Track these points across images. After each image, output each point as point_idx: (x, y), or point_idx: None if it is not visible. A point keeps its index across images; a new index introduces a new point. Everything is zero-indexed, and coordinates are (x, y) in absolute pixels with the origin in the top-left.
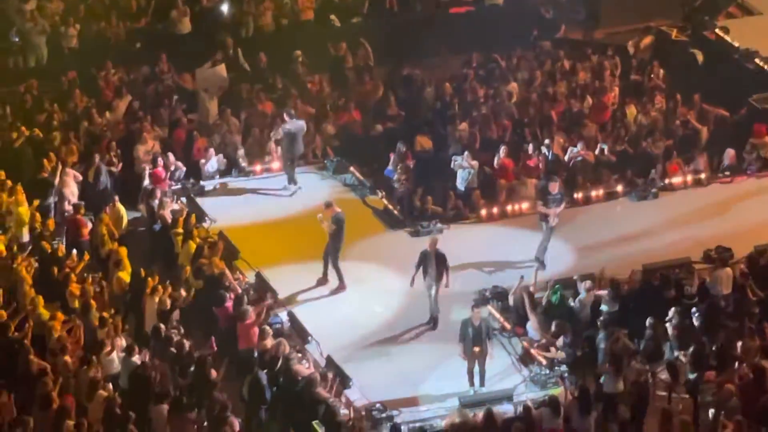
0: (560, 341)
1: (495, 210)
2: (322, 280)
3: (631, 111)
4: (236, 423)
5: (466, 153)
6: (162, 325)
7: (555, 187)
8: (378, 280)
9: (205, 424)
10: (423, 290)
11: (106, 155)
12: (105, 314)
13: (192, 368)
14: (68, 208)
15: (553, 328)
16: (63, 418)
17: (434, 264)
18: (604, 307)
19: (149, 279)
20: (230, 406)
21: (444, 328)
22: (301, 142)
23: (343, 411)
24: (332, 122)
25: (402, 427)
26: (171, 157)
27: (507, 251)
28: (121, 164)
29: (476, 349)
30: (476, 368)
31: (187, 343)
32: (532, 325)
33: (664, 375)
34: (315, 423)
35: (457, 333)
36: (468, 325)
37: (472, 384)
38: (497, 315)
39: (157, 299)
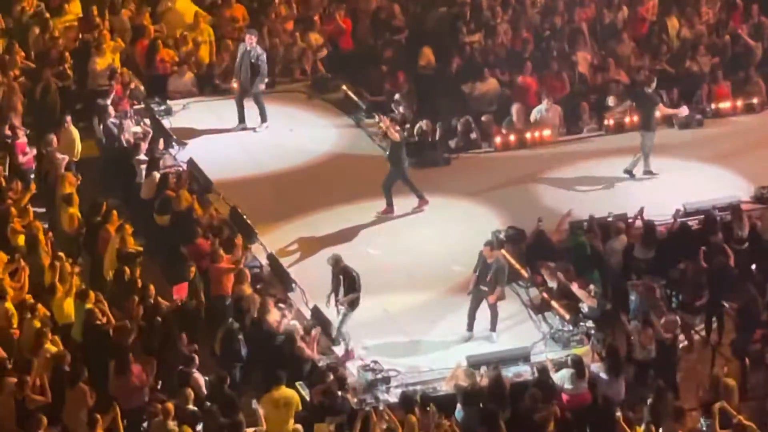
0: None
1: (513, 137)
2: (388, 210)
3: (672, 23)
4: (201, 380)
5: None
6: (127, 269)
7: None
8: (373, 218)
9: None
10: (424, 230)
11: (57, 68)
12: (57, 253)
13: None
14: (10, 132)
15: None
16: (1, 374)
17: (342, 287)
18: (637, 254)
19: (113, 213)
20: (196, 361)
21: (450, 275)
22: (262, 74)
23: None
24: (318, 31)
25: (400, 390)
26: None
27: (525, 187)
28: (74, 79)
29: (482, 288)
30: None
31: (152, 290)
32: (545, 274)
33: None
34: (298, 384)
35: (459, 282)
36: (481, 260)
37: (469, 328)
38: (513, 261)
39: (118, 239)
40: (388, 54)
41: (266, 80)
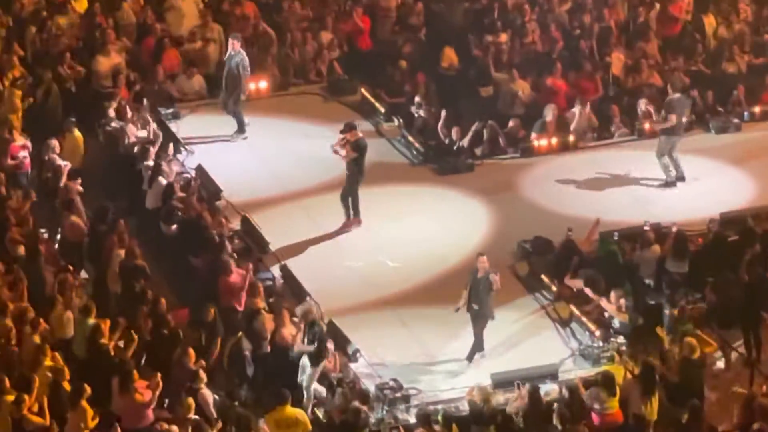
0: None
1: (540, 143)
2: (347, 222)
3: (709, 21)
4: (209, 397)
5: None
6: (136, 283)
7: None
8: (392, 228)
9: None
10: (445, 240)
11: (58, 69)
12: (60, 263)
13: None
14: (8, 135)
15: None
16: None
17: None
18: (669, 266)
19: (120, 222)
20: (202, 377)
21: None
22: (242, 83)
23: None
24: (331, 30)
25: (421, 409)
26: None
27: (554, 195)
28: (77, 80)
29: (474, 306)
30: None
31: (163, 303)
32: (573, 287)
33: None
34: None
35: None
36: (472, 275)
37: (479, 349)
38: (540, 273)
39: (123, 252)
40: (407, 49)
41: (244, 93)
